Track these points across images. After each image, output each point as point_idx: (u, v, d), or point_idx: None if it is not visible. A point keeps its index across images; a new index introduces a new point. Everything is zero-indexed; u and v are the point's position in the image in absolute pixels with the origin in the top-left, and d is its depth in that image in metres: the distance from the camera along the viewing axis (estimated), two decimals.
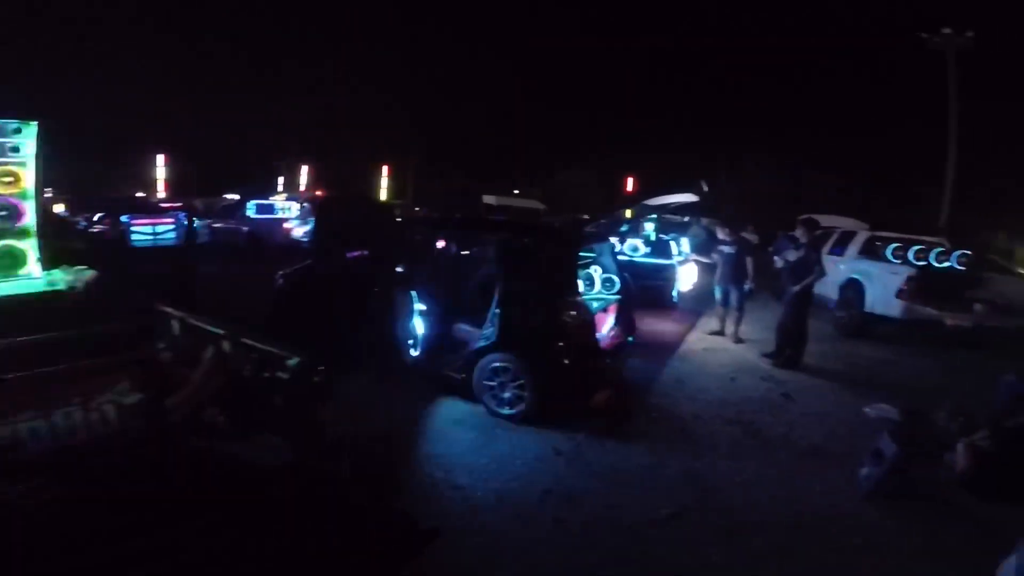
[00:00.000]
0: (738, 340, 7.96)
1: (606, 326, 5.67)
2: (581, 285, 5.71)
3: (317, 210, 6.69)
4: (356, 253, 6.28)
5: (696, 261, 8.92)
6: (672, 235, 9.16)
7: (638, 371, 6.26)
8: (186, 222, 13.45)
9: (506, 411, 4.80)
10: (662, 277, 8.39)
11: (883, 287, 8.34)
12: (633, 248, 8.59)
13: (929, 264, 8.56)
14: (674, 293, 8.18)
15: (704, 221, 8.47)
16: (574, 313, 4.49)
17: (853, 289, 8.85)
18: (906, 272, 8.14)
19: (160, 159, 25.25)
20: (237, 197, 17.93)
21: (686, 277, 8.63)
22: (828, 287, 8.88)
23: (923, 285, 7.98)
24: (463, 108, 35.01)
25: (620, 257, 8.27)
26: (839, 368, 7.01)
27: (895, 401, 5.53)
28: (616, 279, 5.88)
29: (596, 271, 5.96)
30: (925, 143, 22.41)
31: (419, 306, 5.07)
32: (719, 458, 4.33)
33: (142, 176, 27.03)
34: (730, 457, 4.36)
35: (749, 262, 7.87)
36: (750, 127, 29.01)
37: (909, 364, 7.45)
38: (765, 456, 4.40)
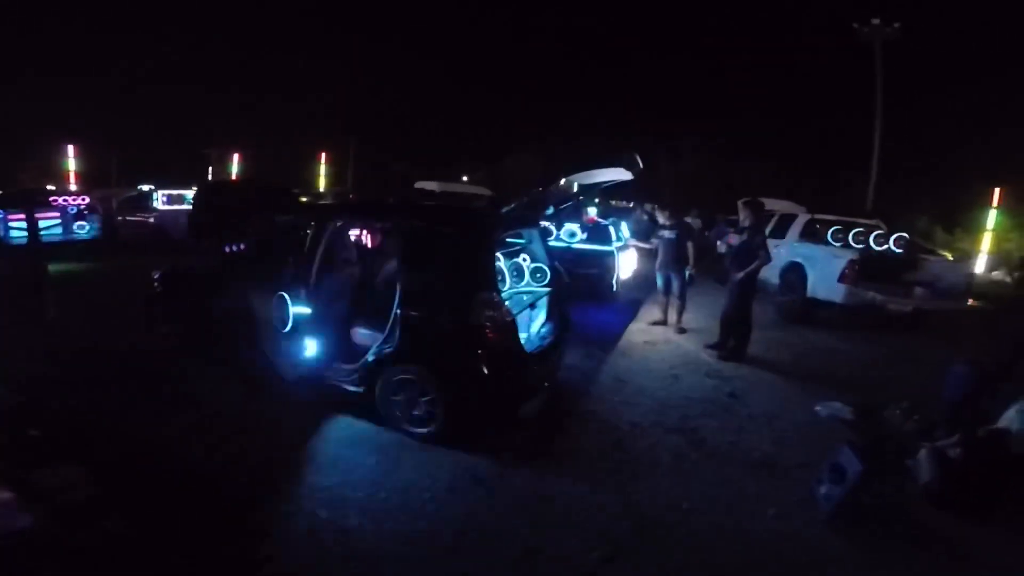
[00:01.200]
0: (680, 330, 7.50)
1: (536, 323, 4.98)
2: (507, 277, 4.99)
3: (193, 200, 5.69)
4: (236, 247, 5.35)
5: (636, 247, 8.37)
6: (611, 220, 8.58)
7: (574, 371, 5.65)
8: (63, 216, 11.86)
9: (417, 430, 4.06)
10: (601, 265, 7.76)
11: (825, 271, 8.06)
12: (570, 234, 7.93)
13: (869, 247, 8.35)
14: (614, 282, 7.58)
15: (647, 206, 7.90)
16: (491, 313, 3.76)
17: (795, 273, 8.55)
18: (848, 256, 7.87)
19: (70, 150, 23.53)
20: (151, 188, 16.46)
21: (626, 264, 8.04)
22: (770, 272, 8.55)
23: (864, 269, 7.74)
24: (404, 94, 33.67)
25: (556, 243, 7.63)
26: (785, 359, 6.61)
27: (846, 397, 5.18)
28: (547, 269, 5.20)
29: (525, 260, 5.26)
30: (849, 130, 23.04)
31: (299, 309, 4.20)
32: (660, 477, 3.73)
33: (52, 169, 25.02)
34: (673, 475, 3.77)
35: (690, 247, 7.39)
36: (686, 113, 29.13)
37: (854, 351, 7.16)
38: (711, 472, 3.83)
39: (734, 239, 6.62)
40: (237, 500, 3.34)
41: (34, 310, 6.02)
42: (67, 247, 11.49)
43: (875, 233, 8.63)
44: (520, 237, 5.24)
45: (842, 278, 7.77)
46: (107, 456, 3.58)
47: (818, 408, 4.93)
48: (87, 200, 12.79)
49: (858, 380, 5.95)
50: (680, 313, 7.58)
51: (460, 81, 35.03)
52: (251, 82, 31.77)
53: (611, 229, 7.85)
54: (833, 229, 8.77)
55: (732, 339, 6.50)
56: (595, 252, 7.72)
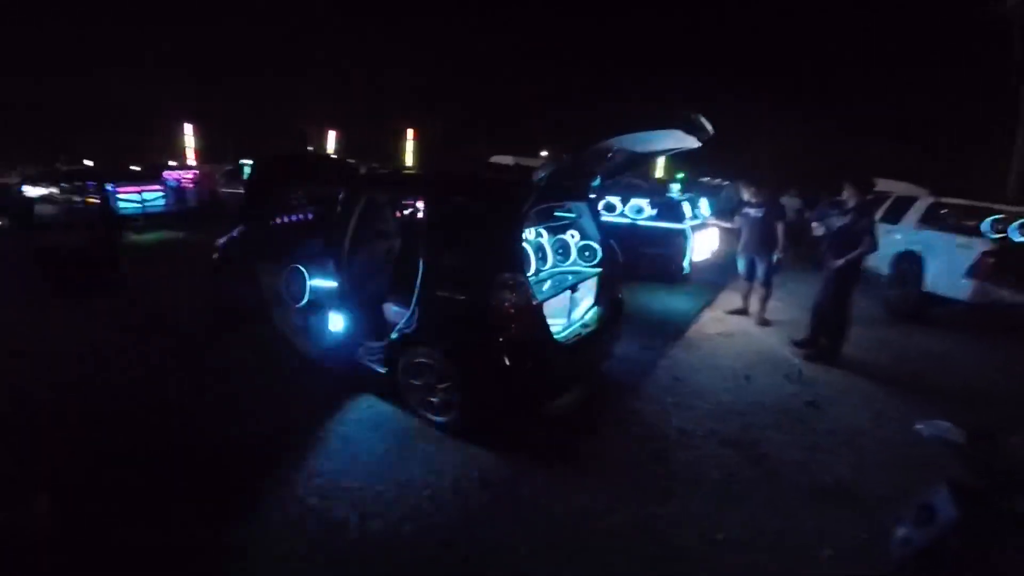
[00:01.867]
0: (763, 322, 6.63)
1: (580, 308, 4.47)
2: (548, 254, 4.51)
3: (252, 171, 5.68)
4: (292, 217, 5.28)
5: (717, 226, 7.48)
6: (688, 195, 7.71)
7: (625, 364, 5.09)
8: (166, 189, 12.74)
9: (434, 417, 3.77)
10: (671, 244, 6.98)
11: (949, 263, 6.79)
12: (637, 209, 7.20)
13: (1007, 237, 6.90)
14: (685, 264, 6.79)
15: (739, 184, 7.00)
16: (511, 297, 3.31)
17: (910, 264, 7.29)
18: (981, 246, 6.54)
19: (189, 128, 25.76)
20: (250, 162, 17.58)
21: (702, 245, 7.20)
22: (879, 260, 7.38)
23: (1001, 262, 6.39)
24: (486, 71, 33.30)
25: (619, 220, 6.98)
26: (886, 362, 5.60)
27: (958, 416, 4.20)
28: (597, 247, 4.65)
29: (572, 237, 4.73)
30: (979, 109, 19.68)
31: (323, 283, 3.98)
32: (699, 499, 3.15)
33: (176, 146, 27.52)
34: (715, 498, 3.17)
35: (780, 228, 6.47)
36: (791, 88, 26.21)
37: (974, 359, 5.96)
38: (764, 498, 3.19)
39: (836, 221, 5.67)
40: (231, 480, 3.21)
41: (107, 280, 6.37)
42: (168, 217, 12.37)
43: (1020, 222, 7.13)
44: (568, 211, 4.71)
45: (972, 272, 6.49)
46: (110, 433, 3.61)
47: (919, 427, 3.99)
48: (193, 174, 13.70)
49: (976, 396, 4.89)
50: (764, 302, 6.71)
51: (541, 56, 33.99)
52: (345, 62, 32.82)
53: (685, 205, 7.03)
54: (962, 215, 7.36)
55: (824, 336, 5.61)
56: (664, 230, 6.96)
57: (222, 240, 5.25)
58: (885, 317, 7.33)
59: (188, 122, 25.94)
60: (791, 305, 7.47)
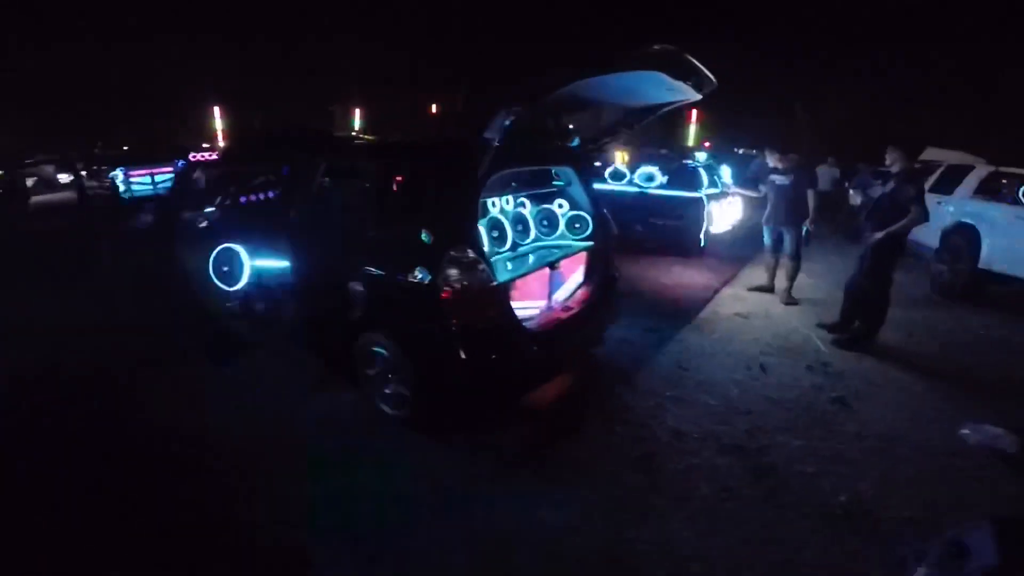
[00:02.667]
0: (790, 301, 5.96)
1: (565, 287, 3.93)
2: (530, 226, 3.95)
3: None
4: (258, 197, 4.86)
5: (740, 195, 6.73)
6: (706, 161, 6.94)
7: (624, 349, 4.56)
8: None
9: (390, 411, 3.33)
10: (685, 215, 6.29)
11: (1009, 237, 5.92)
12: (647, 177, 6.50)
13: None
14: (701, 236, 6.10)
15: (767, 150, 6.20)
16: (463, 276, 2.79)
17: (963, 237, 6.43)
18: None
19: (216, 111, 25.81)
20: None
21: (722, 215, 6.47)
22: (926, 233, 6.54)
23: None
24: (511, 44, 32.03)
25: (629, 188, 6.31)
26: (930, 351, 4.88)
27: (1013, 419, 3.55)
28: (588, 218, 4.07)
29: (560, 207, 4.16)
30: None
31: (267, 262, 3.53)
32: (681, 520, 2.61)
33: (205, 129, 27.64)
34: (701, 518, 2.63)
35: (811, 196, 5.73)
36: (835, 53, 24.13)
37: None
38: (760, 520, 2.63)
39: (876, 189, 4.94)
40: (143, 475, 2.85)
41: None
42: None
43: None
44: (556, 178, 4.12)
45: None
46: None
47: (965, 431, 3.42)
48: (211, 156, 13.53)
49: None
50: (791, 279, 6.01)
51: (577, 23, 32.41)
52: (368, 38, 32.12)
53: (700, 172, 6.29)
54: None
55: (858, 319, 4.93)
56: (678, 199, 6.25)
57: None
58: (931, 297, 6.54)
59: (215, 104, 25.90)
60: (823, 282, 6.76)
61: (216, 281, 3.44)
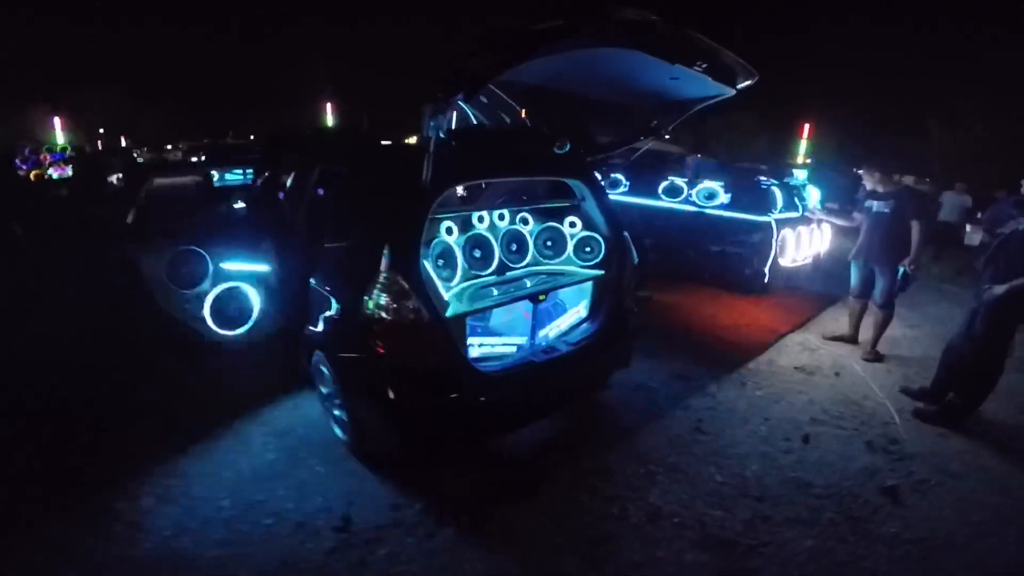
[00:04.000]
0: (873, 357, 4.96)
1: (560, 321, 3.44)
2: (529, 247, 3.50)
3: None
4: None
5: (827, 221, 5.68)
6: (783, 180, 5.93)
7: (639, 399, 3.96)
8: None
9: (339, 433, 3.09)
10: (747, 241, 5.38)
11: None
12: (707, 195, 5.66)
13: None
14: (765, 269, 5.20)
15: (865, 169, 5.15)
16: (390, 307, 2.43)
17: None
18: None
19: (328, 108, 27.46)
20: None
21: (799, 244, 5.48)
22: None
23: None
24: None
25: (685, 207, 5.54)
26: None
27: None
28: (602, 241, 3.55)
29: (572, 226, 3.65)
30: None
31: (246, 265, 3.40)
32: None
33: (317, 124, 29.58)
34: None
35: (916, 229, 4.69)
36: (972, 67, 20.55)
37: None
38: None
39: (1010, 226, 3.95)
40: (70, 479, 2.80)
41: None
42: None
43: None
44: (572, 194, 3.61)
45: None
46: None
47: None
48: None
49: None
50: (880, 329, 4.99)
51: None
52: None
53: (774, 192, 5.36)
54: None
55: (955, 390, 3.93)
56: (740, 223, 5.33)
57: None
58: None
59: (328, 102, 27.53)
60: (925, 336, 5.60)
61: (170, 284, 3.35)
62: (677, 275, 5.83)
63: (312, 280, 2.95)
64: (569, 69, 2.41)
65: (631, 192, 6.04)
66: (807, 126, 14.26)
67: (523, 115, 3.42)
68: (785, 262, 5.14)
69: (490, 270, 3.22)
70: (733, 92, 2.68)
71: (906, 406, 4.08)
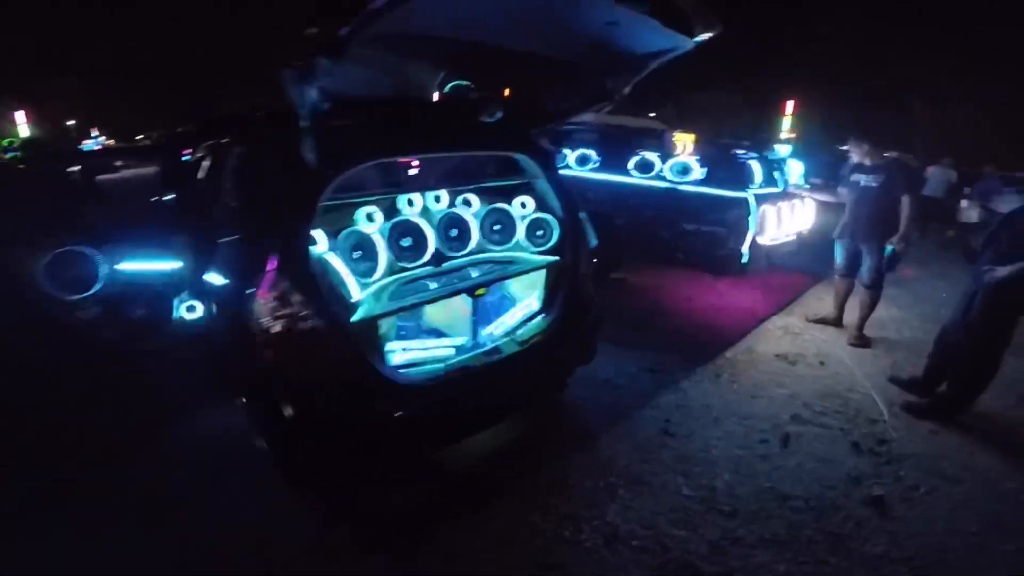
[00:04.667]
0: (859, 341, 4.63)
1: (511, 316, 3.03)
2: (472, 232, 3.07)
3: None
4: None
5: (810, 197, 5.27)
6: (759, 153, 5.48)
7: (605, 396, 3.60)
8: None
9: (263, 447, 2.70)
10: (723, 219, 4.94)
11: None
12: (681, 169, 5.21)
13: None
14: (743, 248, 4.77)
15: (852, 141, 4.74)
16: (282, 310, 2.01)
17: None
18: None
19: None
20: None
21: (779, 221, 5.06)
22: None
23: None
24: None
25: (657, 183, 5.10)
26: None
27: None
28: (555, 222, 3.14)
29: (524, 207, 3.23)
30: None
31: (149, 264, 2.96)
32: None
33: None
34: None
35: (905, 203, 4.32)
36: (963, 42, 20.09)
37: None
38: None
39: (1008, 201, 3.60)
40: None
41: None
42: None
43: None
44: (519, 171, 3.17)
45: None
46: None
47: None
48: None
49: None
50: (867, 311, 4.66)
51: None
52: None
53: (750, 166, 4.90)
54: None
55: (948, 381, 3.61)
56: (715, 199, 4.88)
57: None
58: None
59: None
60: (915, 317, 5.28)
61: (51, 288, 2.89)
62: (651, 258, 5.43)
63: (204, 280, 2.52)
64: (484, 14, 1.97)
65: (602, 168, 5.58)
66: (791, 102, 13.94)
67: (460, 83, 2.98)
68: (765, 240, 4.74)
69: (423, 260, 2.80)
70: (691, 45, 2.26)
71: (895, 397, 3.76)
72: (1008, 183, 8.65)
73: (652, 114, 20.42)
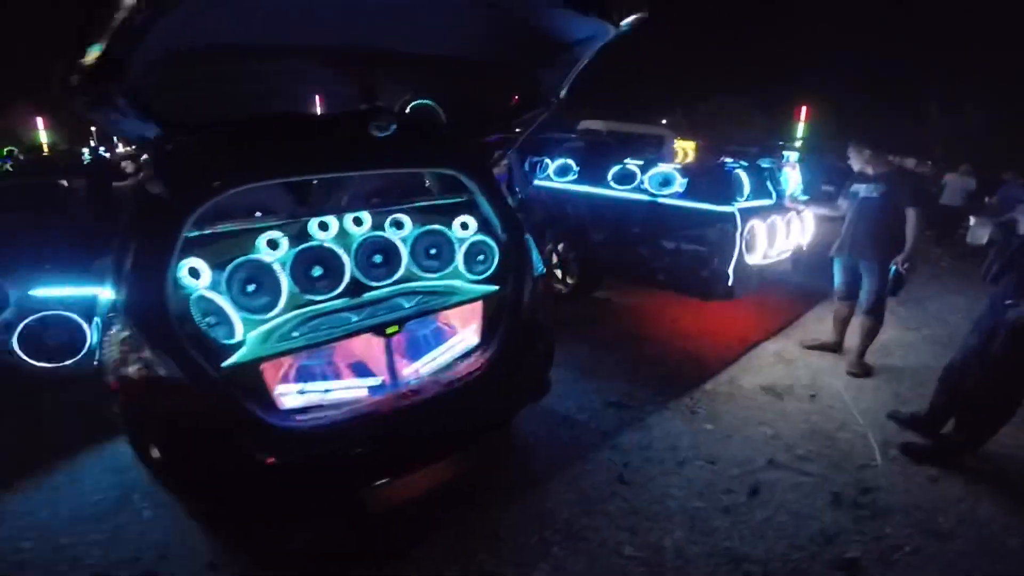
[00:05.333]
0: (858, 370, 4.21)
1: (442, 353, 2.75)
2: (404, 259, 2.80)
3: None
4: None
5: (807, 209, 4.82)
6: (754, 161, 5.00)
7: (562, 434, 3.30)
8: None
9: None
10: (706, 237, 4.39)
11: None
12: (661, 180, 4.78)
13: None
14: (729, 269, 4.34)
15: (852, 148, 4.30)
16: (129, 361, 1.78)
17: None
18: None
19: None
20: None
21: (777, 237, 4.60)
22: None
23: None
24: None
25: (638, 196, 4.70)
26: None
27: None
28: (495, 246, 2.85)
29: (464, 229, 2.95)
30: None
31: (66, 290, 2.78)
32: None
33: None
34: None
35: (911, 217, 3.91)
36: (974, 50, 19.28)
37: None
38: None
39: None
40: None
41: None
42: None
43: None
44: (460, 189, 2.89)
45: None
46: None
47: None
48: None
49: None
50: (867, 339, 4.24)
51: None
52: None
53: (739, 177, 4.46)
54: None
55: (957, 419, 3.19)
56: (696, 214, 4.40)
57: None
58: None
59: None
60: (923, 341, 4.84)
61: None
62: (630, 277, 5.07)
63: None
64: (348, 15, 1.71)
65: (581, 179, 5.25)
66: (804, 108, 13.51)
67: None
68: (755, 260, 4.34)
69: (336, 292, 2.54)
70: (615, 31, 1.97)
71: (893, 437, 3.36)
72: None
73: (663, 121, 20.04)
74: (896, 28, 20.78)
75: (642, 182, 4.72)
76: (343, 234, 2.70)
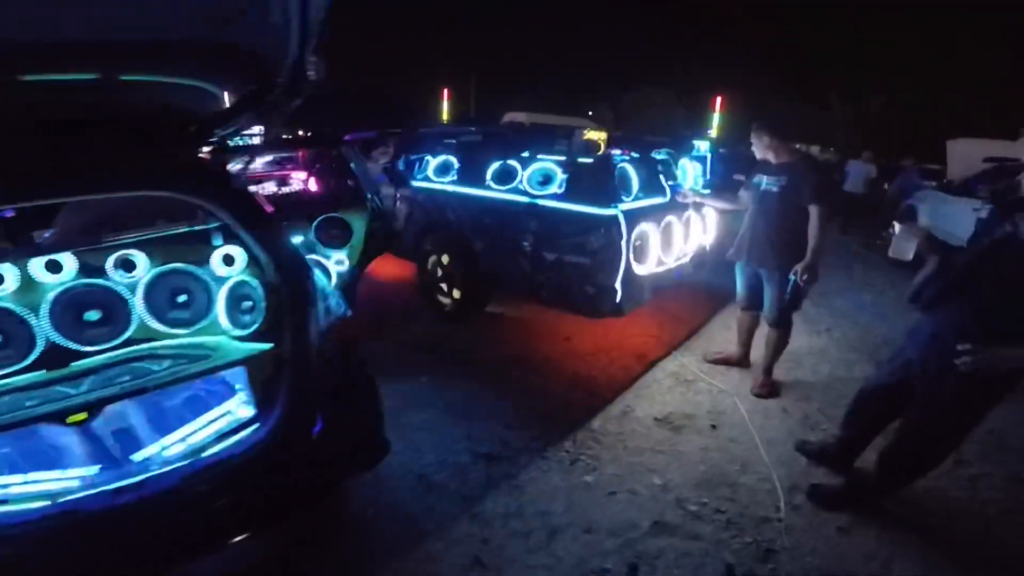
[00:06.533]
0: (765, 390, 3.75)
1: (205, 425, 1.98)
2: (137, 314, 2.00)
3: None
4: None
5: (705, 204, 4.25)
6: (645, 153, 4.39)
7: (416, 499, 2.62)
8: None
9: None
10: (586, 245, 3.65)
11: None
12: (540, 178, 3.99)
13: None
14: (615, 283, 3.69)
15: (754, 133, 3.77)
16: None
17: None
18: None
19: (445, 93, 24.75)
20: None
21: (660, 242, 3.97)
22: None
23: None
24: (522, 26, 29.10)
25: (516, 197, 3.98)
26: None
27: None
28: (262, 290, 2.10)
29: (229, 264, 2.19)
30: None
31: None
32: None
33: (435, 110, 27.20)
34: None
35: (814, 216, 3.38)
36: (871, 39, 20.24)
37: None
38: None
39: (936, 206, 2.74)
40: None
41: None
42: None
43: None
44: (219, 211, 2.10)
45: None
46: None
47: None
48: None
49: None
50: (774, 354, 3.76)
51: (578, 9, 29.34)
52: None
53: (627, 171, 3.82)
54: None
55: (880, 460, 2.66)
56: (576, 218, 3.68)
57: None
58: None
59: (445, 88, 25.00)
60: (834, 345, 4.48)
61: None
62: (514, 293, 4.39)
63: None
64: None
65: (460, 180, 4.51)
66: (719, 99, 13.59)
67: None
68: (647, 269, 3.75)
69: (23, 364, 1.73)
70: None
71: (800, 477, 2.87)
72: (926, 176, 8.22)
73: (590, 112, 19.72)
74: (800, 15, 21.32)
75: (521, 180, 4.02)
76: (28, 286, 1.87)
